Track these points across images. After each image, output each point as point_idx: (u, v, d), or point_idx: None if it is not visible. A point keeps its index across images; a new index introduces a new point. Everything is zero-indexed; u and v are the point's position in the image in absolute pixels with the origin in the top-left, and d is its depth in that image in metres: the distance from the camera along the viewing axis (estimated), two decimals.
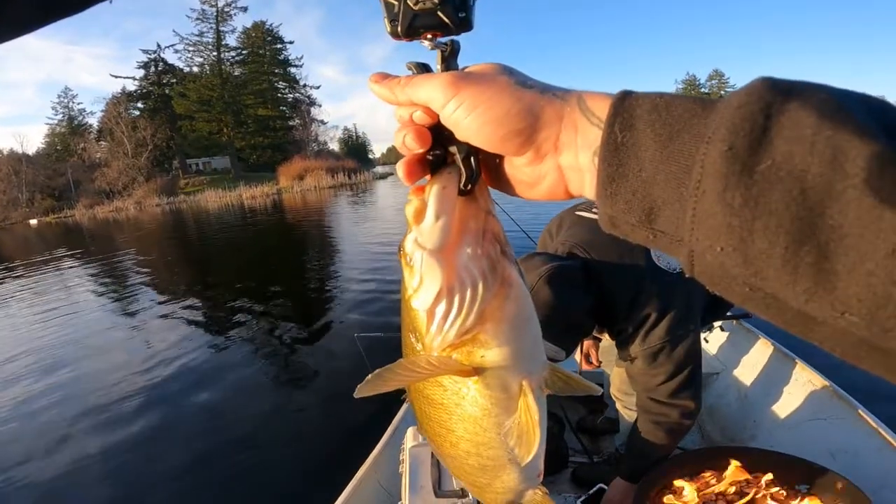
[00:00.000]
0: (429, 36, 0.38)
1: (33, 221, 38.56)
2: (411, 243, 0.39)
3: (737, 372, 2.32)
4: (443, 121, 0.37)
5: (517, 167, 0.38)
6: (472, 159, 0.38)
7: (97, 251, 15.07)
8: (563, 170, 0.35)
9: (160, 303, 7.49)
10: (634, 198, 0.29)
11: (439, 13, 0.36)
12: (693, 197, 0.26)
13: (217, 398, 4.06)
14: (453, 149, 0.38)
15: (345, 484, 1.65)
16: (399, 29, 0.37)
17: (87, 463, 3.26)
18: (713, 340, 2.55)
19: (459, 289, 0.38)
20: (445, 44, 0.39)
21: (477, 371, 0.40)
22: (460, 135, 0.37)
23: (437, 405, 0.43)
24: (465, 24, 0.37)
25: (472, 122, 0.35)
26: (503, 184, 0.40)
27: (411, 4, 0.36)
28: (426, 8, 0.36)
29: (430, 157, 0.39)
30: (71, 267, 12.68)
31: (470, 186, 0.39)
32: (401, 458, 1.53)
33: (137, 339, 5.83)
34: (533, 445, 0.41)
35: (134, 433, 3.58)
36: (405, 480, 1.41)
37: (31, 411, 4.16)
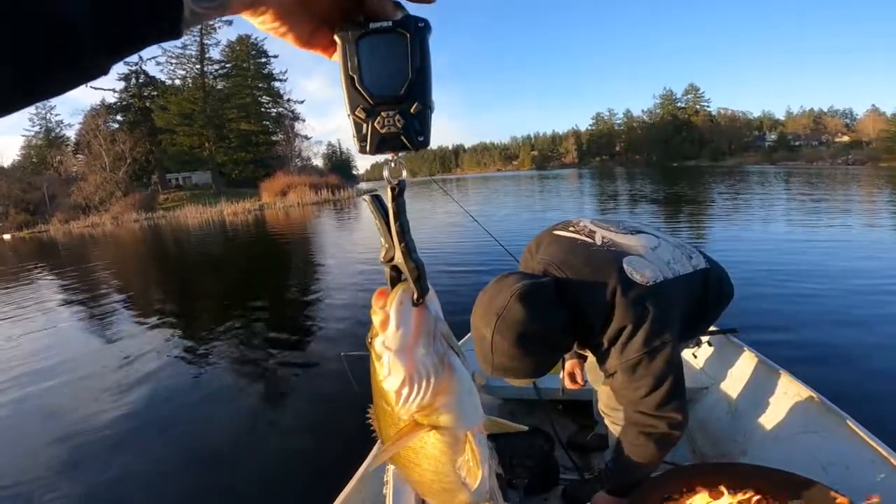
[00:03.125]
0: (389, 155, 0.45)
1: (7, 236, 37.40)
2: (380, 345, 0.53)
3: (725, 386, 2.32)
4: None
5: None
6: (420, 280, 0.50)
7: (72, 267, 14.63)
8: None
9: (137, 322, 7.27)
10: None
11: (402, 138, 0.43)
12: None
13: (196, 417, 3.92)
14: (406, 270, 0.49)
15: None
16: (368, 148, 0.43)
17: (55, 488, 3.09)
18: (701, 355, 2.55)
19: (418, 378, 0.52)
20: (397, 182, 0.47)
21: (434, 427, 0.55)
22: None
23: (406, 447, 0.59)
24: (424, 144, 0.43)
25: None
26: None
27: (378, 128, 0.42)
28: (391, 133, 0.42)
29: (392, 276, 0.52)
30: (45, 283, 12.31)
31: (422, 301, 0.51)
32: (385, 479, 1.53)
33: (112, 359, 5.60)
34: (478, 476, 0.58)
35: (105, 455, 3.42)
36: (389, 502, 1.42)
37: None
